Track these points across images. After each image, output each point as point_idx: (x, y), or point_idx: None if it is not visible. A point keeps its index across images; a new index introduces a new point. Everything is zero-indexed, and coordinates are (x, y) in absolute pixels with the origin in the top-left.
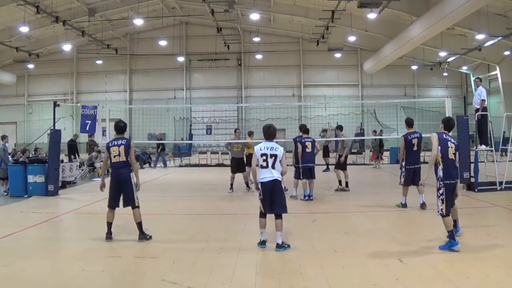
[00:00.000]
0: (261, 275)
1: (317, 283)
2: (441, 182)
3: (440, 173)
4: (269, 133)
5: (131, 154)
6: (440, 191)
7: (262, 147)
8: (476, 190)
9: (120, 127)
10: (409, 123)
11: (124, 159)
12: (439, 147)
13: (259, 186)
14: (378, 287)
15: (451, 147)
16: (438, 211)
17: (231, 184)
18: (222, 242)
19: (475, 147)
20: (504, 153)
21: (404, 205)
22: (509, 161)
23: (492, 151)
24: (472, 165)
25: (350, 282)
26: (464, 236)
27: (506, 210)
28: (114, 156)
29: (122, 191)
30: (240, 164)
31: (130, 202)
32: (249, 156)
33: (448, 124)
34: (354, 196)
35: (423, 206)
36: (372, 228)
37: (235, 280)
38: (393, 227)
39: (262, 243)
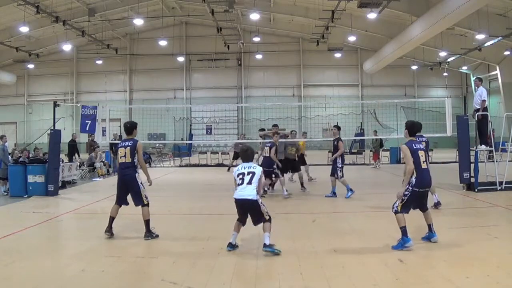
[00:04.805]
0: (261, 275)
1: (317, 283)
2: (410, 188)
3: (413, 180)
4: (246, 155)
5: (139, 155)
6: (405, 193)
7: (239, 167)
8: (476, 190)
9: (126, 127)
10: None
11: (130, 160)
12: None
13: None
14: (378, 287)
15: (421, 156)
16: (393, 208)
17: (273, 184)
18: (222, 242)
19: (475, 147)
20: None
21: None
22: (509, 161)
23: (492, 151)
24: (472, 165)
25: (350, 282)
26: (464, 236)
27: (506, 210)
28: (121, 157)
29: (129, 191)
30: (293, 164)
31: (139, 201)
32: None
33: (412, 129)
34: (354, 196)
35: (437, 205)
36: (372, 228)
37: (235, 280)
38: (393, 227)
39: (229, 246)
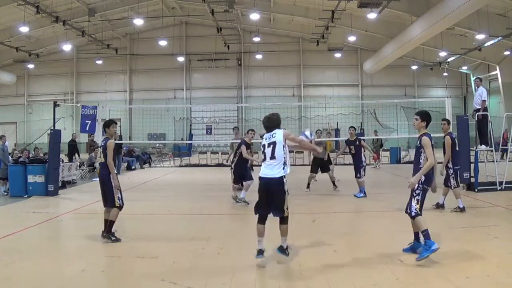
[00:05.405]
0: (261, 275)
1: (317, 283)
2: (420, 186)
3: (423, 177)
4: (268, 124)
5: (108, 154)
6: (417, 192)
7: (262, 141)
8: (476, 190)
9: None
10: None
11: (103, 160)
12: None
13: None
14: (378, 287)
15: None
16: (412, 211)
17: (308, 184)
18: (222, 242)
19: (475, 147)
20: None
21: (463, 209)
22: (509, 161)
23: (492, 151)
24: (472, 165)
25: (350, 282)
26: (464, 236)
27: (506, 210)
28: (99, 157)
29: (103, 190)
30: (323, 163)
31: (110, 202)
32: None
33: (429, 119)
34: (354, 197)
35: (440, 207)
36: (372, 228)
37: (235, 280)
38: (393, 227)
39: (259, 253)
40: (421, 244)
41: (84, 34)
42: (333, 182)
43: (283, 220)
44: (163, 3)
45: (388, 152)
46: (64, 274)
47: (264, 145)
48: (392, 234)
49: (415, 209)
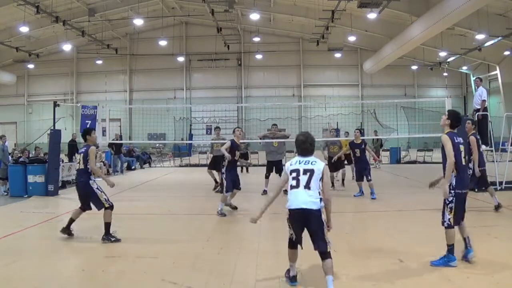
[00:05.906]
0: (261, 275)
1: (317, 283)
2: (452, 191)
3: (453, 180)
4: (305, 149)
5: (90, 161)
6: (449, 199)
7: (293, 161)
8: (476, 190)
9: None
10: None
11: (83, 167)
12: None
13: (288, 215)
14: (378, 287)
15: (462, 151)
16: (445, 221)
17: (332, 183)
18: (222, 242)
19: None
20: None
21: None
22: (509, 161)
23: (492, 151)
24: None
25: (350, 282)
26: None
27: (506, 210)
28: (77, 164)
29: (87, 197)
30: (337, 163)
31: (99, 205)
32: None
33: (458, 120)
34: (354, 196)
35: (498, 208)
36: (373, 228)
37: (235, 280)
38: (393, 227)
39: (292, 280)
40: (471, 250)
41: (84, 34)
42: (332, 182)
43: (326, 255)
44: (163, 3)
45: (388, 152)
46: (64, 274)
47: (297, 170)
48: (392, 234)
49: (448, 220)
